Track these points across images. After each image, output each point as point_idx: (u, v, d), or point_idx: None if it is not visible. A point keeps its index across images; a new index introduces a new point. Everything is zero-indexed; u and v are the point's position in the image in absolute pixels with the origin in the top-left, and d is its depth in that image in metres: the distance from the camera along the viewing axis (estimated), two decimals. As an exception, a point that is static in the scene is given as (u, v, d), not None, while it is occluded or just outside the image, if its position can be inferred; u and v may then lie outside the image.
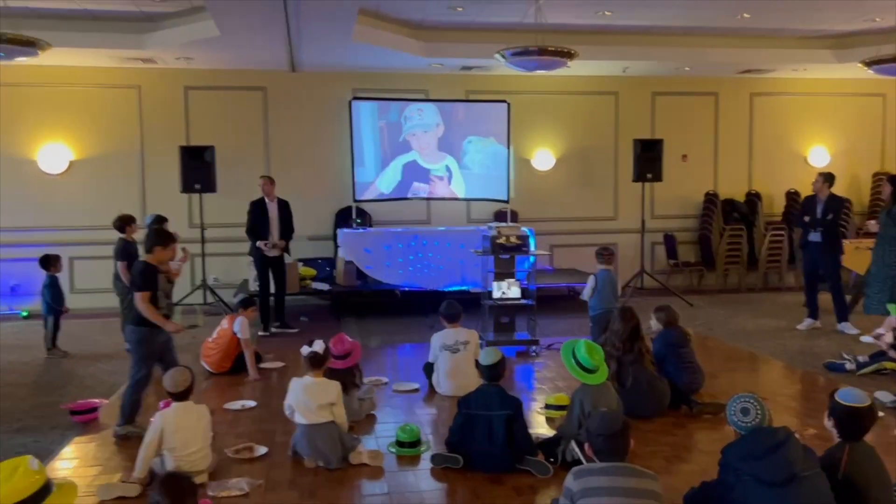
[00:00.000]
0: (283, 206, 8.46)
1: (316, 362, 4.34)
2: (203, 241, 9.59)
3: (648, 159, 10.13)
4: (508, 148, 10.62)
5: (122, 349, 7.35)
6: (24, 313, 9.71)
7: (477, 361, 5.17)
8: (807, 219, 8.32)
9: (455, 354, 5.71)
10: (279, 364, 6.79)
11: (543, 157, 11.40)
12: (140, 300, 4.67)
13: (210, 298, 9.54)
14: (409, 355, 7.41)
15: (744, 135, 11.99)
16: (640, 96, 11.62)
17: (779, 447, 2.95)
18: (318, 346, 4.38)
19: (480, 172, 10.75)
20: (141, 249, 6.11)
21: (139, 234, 7.29)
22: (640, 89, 11.57)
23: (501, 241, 7.27)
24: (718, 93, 11.83)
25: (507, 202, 10.70)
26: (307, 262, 10.00)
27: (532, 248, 9.57)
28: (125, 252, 7.35)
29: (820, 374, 6.47)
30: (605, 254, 6.80)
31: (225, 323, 6.45)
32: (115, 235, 9.21)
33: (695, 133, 11.82)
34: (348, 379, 5.02)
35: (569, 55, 7.74)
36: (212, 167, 9.23)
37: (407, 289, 9.38)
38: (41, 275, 7.85)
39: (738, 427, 3.11)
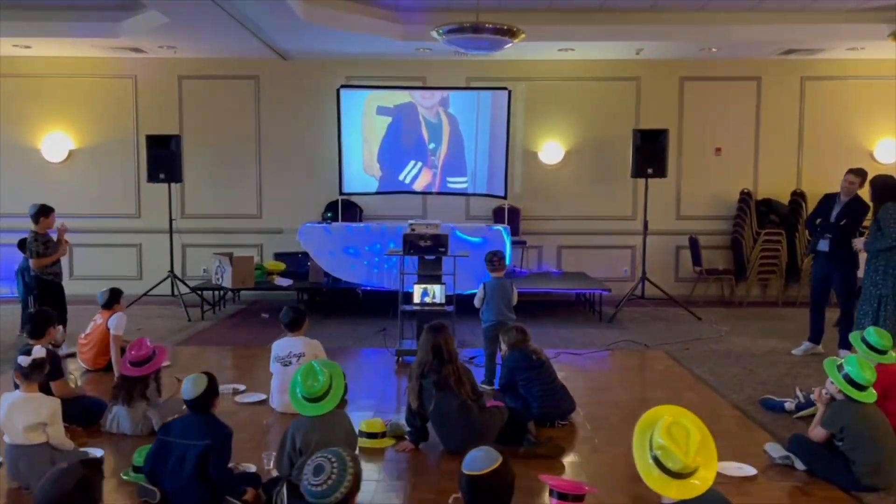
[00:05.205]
0: None
1: (28, 373, 3.86)
2: (171, 230, 9.47)
3: (650, 152, 8.94)
4: (508, 139, 9.75)
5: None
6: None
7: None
8: (818, 221, 7.01)
9: (286, 368, 5.09)
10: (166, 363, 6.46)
11: (551, 150, 10.43)
12: None
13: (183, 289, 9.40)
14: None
15: (792, 125, 10.43)
16: (666, 82, 10.36)
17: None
18: (38, 352, 3.92)
19: (480, 166, 9.96)
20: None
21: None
22: (665, 74, 10.32)
23: (417, 240, 6.56)
24: (761, 77, 10.34)
25: (504, 198, 9.84)
26: (286, 256, 9.70)
27: (506, 250, 8.82)
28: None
29: (754, 412, 5.31)
30: (494, 259, 5.93)
31: (99, 318, 6.18)
32: (117, 224, 9.97)
33: (732, 123, 10.41)
34: (139, 389, 4.59)
35: (510, 34, 6.88)
36: (177, 156, 9.09)
37: (369, 288, 8.83)
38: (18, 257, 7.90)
39: (304, 490, 2.36)
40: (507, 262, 8.89)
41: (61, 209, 10.16)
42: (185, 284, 9.33)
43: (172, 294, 9.23)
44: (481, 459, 2.52)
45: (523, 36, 7.01)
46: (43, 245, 6.71)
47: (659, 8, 8.87)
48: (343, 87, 9.91)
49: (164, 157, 9.00)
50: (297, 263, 9.58)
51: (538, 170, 10.49)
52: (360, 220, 10.28)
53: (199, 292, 9.01)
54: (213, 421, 3.58)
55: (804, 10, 8.89)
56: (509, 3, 8.72)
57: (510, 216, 9.95)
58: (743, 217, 10.12)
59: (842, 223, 6.76)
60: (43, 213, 6.81)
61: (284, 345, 5.17)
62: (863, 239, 6.39)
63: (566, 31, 9.03)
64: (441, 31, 6.91)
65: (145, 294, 9.26)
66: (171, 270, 9.33)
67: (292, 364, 5.07)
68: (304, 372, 3.52)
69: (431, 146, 9.87)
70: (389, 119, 9.86)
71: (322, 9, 8.18)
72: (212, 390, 3.59)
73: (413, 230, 6.62)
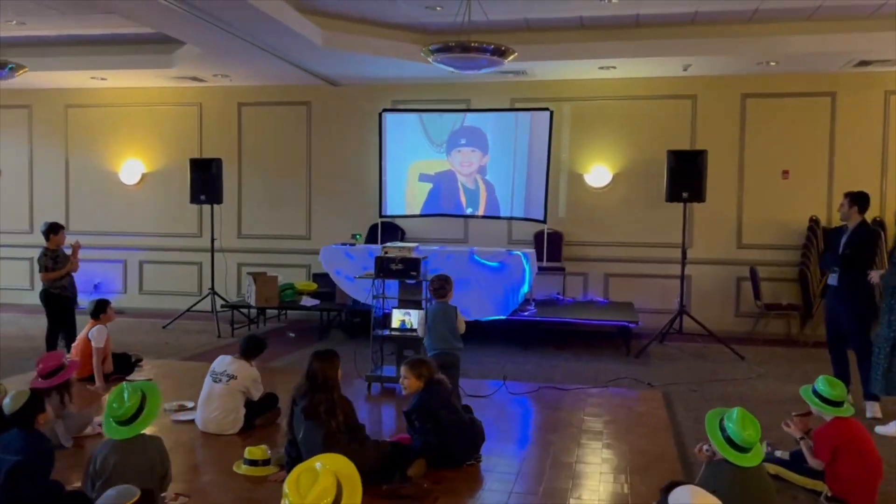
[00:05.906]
0: None
1: None
2: (213, 249, 9.90)
3: (686, 174, 8.28)
4: (548, 161, 9.39)
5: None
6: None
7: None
8: (828, 252, 6.30)
9: (215, 384, 5.16)
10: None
11: (598, 173, 9.93)
12: None
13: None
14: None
15: (874, 145, 9.30)
16: (725, 99, 9.60)
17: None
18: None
19: (517, 190, 9.68)
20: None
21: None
22: (723, 91, 9.57)
23: (388, 263, 6.43)
24: (836, 92, 9.32)
25: (544, 222, 9.48)
26: (322, 276, 9.86)
27: (526, 276, 8.51)
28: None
29: (698, 465, 4.68)
30: (436, 284, 5.65)
31: (86, 329, 6.55)
32: (182, 242, 10.71)
33: (802, 144, 9.45)
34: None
35: (500, 53, 6.63)
36: (218, 179, 9.54)
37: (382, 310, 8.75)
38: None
39: None
40: (527, 288, 8.60)
41: (134, 228, 11.10)
42: (223, 299, 9.72)
43: (212, 311, 9.64)
44: (112, 498, 2.38)
45: (515, 55, 6.74)
46: (52, 260, 7.20)
47: (700, 21, 8.27)
48: (385, 110, 10.01)
49: (205, 180, 9.47)
50: (332, 284, 9.71)
51: (584, 193, 10.03)
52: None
53: (233, 310, 9.37)
54: (32, 437, 3.65)
55: (870, 18, 7.96)
56: (536, 22, 8.45)
57: (551, 241, 9.57)
58: (810, 247, 9.12)
59: (845, 253, 5.97)
60: (53, 230, 7.30)
61: (223, 361, 5.24)
62: (881, 272, 5.55)
63: (599, 47, 8.61)
64: (430, 49, 6.78)
65: (188, 310, 9.76)
66: (212, 288, 9.76)
67: (221, 382, 5.13)
68: (114, 393, 3.53)
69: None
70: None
71: (341, 34, 8.32)
72: (33, 406, 3.67)
73: (386, 253, 6.51)
